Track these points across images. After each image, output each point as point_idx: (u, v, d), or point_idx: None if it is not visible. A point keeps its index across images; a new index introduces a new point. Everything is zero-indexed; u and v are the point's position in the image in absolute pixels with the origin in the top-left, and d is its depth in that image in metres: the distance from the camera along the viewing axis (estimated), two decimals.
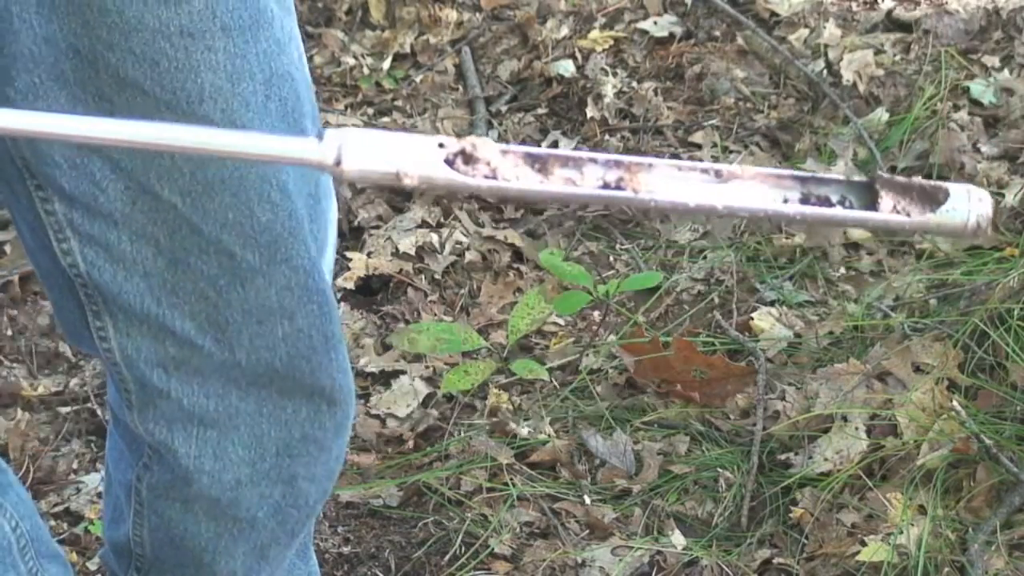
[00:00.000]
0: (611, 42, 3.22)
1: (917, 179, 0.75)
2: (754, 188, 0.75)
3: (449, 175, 0.73)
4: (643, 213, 2.76)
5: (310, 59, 1.32)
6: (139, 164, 1.19)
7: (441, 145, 0.73)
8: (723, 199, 0.74)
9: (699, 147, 2.92)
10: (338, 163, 0.73)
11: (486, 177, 0.73)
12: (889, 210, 0.74)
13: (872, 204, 0.74)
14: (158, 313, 1.26)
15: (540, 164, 0.74)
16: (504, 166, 0.73)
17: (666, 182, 0.74)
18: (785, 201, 0.75)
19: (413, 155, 0.73)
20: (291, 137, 0.74)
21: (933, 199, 0.74)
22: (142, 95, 1.16)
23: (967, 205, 0.74)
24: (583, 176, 0.74)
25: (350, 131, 0.73)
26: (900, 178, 0.75)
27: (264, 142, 0.75)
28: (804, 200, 0.75)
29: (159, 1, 1.13)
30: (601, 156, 0.74)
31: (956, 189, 0.74)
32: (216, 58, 1.16)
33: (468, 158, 0.73)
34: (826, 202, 0.75)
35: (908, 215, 0.74)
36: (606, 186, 0.74)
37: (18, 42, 1.14)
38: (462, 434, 2.30)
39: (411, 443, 2.30)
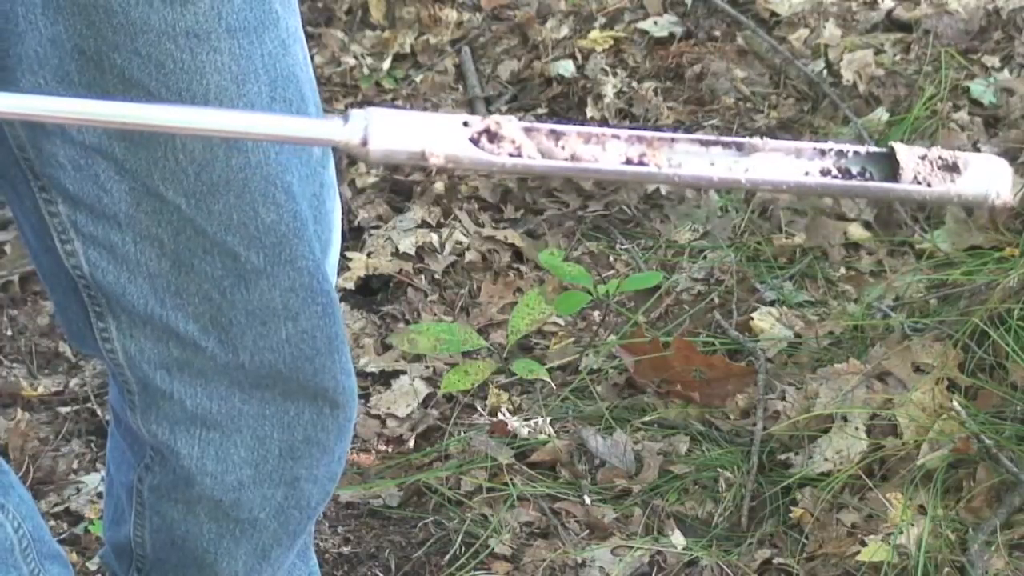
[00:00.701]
0: (611, 42, 3.22)
1: (937, 149, 0.75)
2: (776, 161, 0.75)
3: (474, 153, 0.73)
4: (643, 213, 2.76)
5: (310, 59, 1.33)
6: (143, 165, 1.19)
7: (466, 124, 0.73)
8: (746, 173, 0.75)
9: None
10: (364, 143, 0.73)
11: (511, 155, 0.73)
12: (910, 181, 0.74)
13: (893, 175, 0.75)
14: (161, 314, 1.26)
15: (564, 141, 0.74)
16: (528, 144, 0.74)
17: (689, 157, 0.75)
18: (807, 174, 0.75)
19: (438, 134, 0.73)
20: (317, 118, 0.74)
21: (954, 169, 0.74)
22: (147, 96, 1.15)
23: (988, 176, 0.74)
24: (606, 152, 0.74)
25: (375, 111, 0.73)
26: (921, 148, 0.75)
27: (290, 123, 0.75)
28: (825, 172, 0.75)
29: (165, 2, 1.13)
30: (624, 132, 0.75)
31: (977, 159, 0.74)
32: (221, 59, 1.16)
33: (493, 136, 0.73)
34: (847, 174, 0.75)
35: (929, 185, 0.74)
36: (629, 162, 0.74)
37: (23, 44, 1.14)
38: (462, 434, 2.30)
39: (411, 443, 2.30)
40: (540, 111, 3.11)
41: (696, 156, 0.75)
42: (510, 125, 0.73)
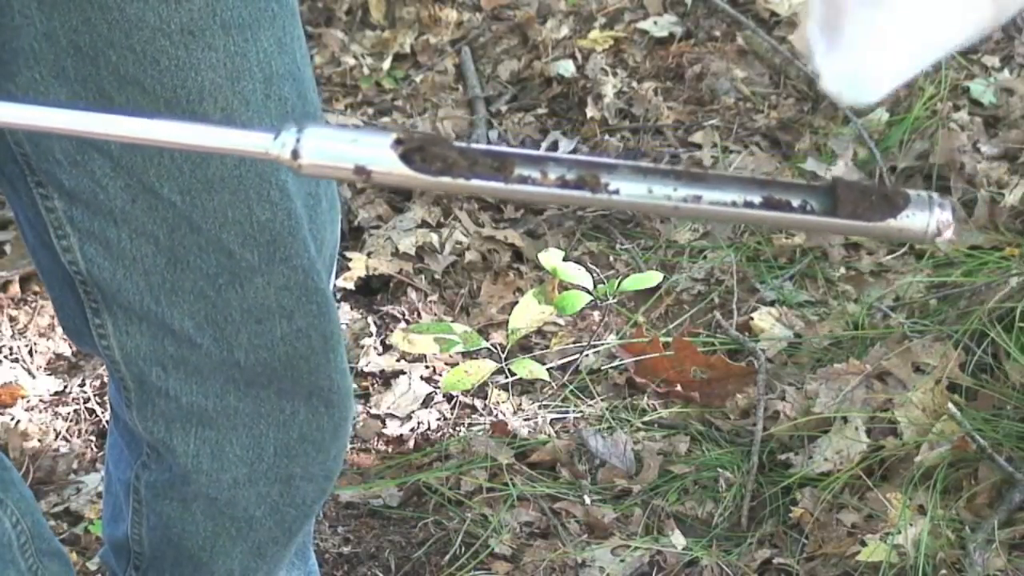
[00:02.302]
0: (611, 42, 3.22)
1: (877, 184, 0.75)
2: (716, 190, 0.76)
3: (406, 171, 0.73)
4: (643, 213, 2.76)
5: (310, 59, 1.33)
6: (139, 162, 1.19)
7: (399, 141, 0.74)
8: (683, 202, 0.75)
9: (699, 147, 2.92)
10: (295, 157, 0.73)
11: (443, 173, 0.74)
12: (848, 215, 0.75)
13: (832, 209, 0.75)
14: (157, 311, 1.26)
15: (499, 162, 0.75)
16: (461, 163, 0.74)
17: (627, 183, 0.75)
18: (746, 204, 0.75)
19: (370, 151, 0.74)
20: (247, 130, 0.75)
21: (893, 204, 0.74)
22: (142, 93, 1.15)
23: (927, 211, 0.74)
24: (544, 175, 0.75)
25: (309, 126, 0.74)
26: (861, 183, 0.75)
27: (219, 135, 0.75)
28: (765, 204, 0.76)
29: None
30: (565, 156, 0.75)
31: (916, 195, 0.75)
32: (216, 56, 1.16)
33: (425, 154, 0.74)
34: (787, 206, 0.76)
35: (867, 220, 0.74)
36: (566, 185, 0.75)
37: (19, 38, 1.14)
38: (462, 434, 2.30)
39: (411, 443, 2.30)
40: (540, 111, 3.11)
41: (634, 183, 0.75)
42: (444, 144, 0.74)
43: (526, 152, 0.75)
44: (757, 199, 0.75)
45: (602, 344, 2.44)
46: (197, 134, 0.75)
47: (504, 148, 0.75)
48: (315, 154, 0.73)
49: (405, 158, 0.73)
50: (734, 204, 0.75)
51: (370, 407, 2.37)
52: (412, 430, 2.32)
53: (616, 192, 0.75)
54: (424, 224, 2.73)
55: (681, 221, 2.72)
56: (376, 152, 0.73)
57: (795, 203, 0.75)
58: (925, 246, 2.48)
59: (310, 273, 1.27)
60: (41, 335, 2.55)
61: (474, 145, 0.74)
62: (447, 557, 2.08)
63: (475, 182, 0.74)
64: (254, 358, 1.29)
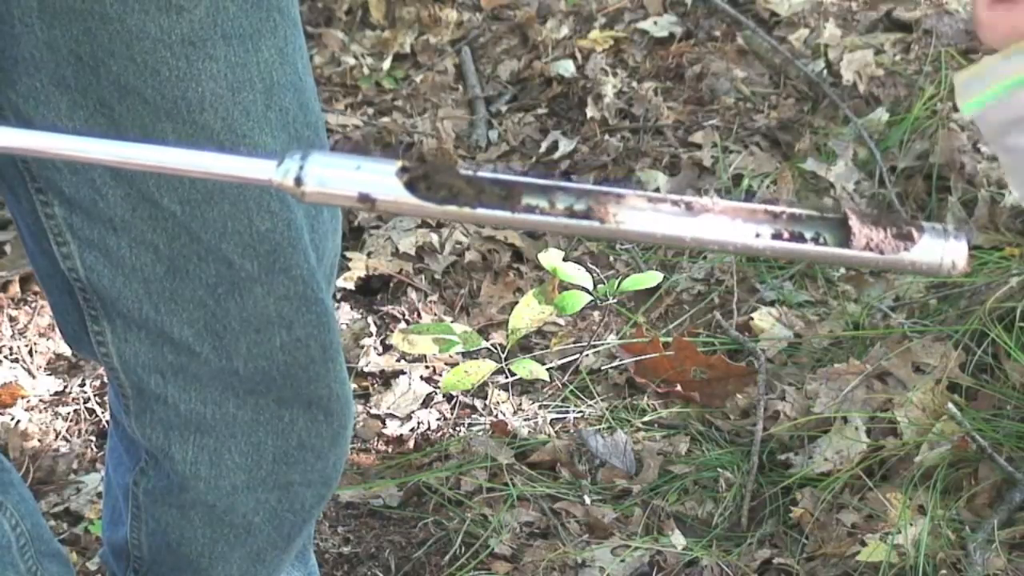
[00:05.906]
0: (611, 42, 3.22)
1: (892, 215, 0.74)
2: (725, 221, 0.74)
3: (411, 199, 0.73)
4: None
5: (310, 59, 1.33)
6: (138, 171, 1.19)
7: (404, 169, 0.73)
8: (692, 231, 0.74)
9: (699, 147, 2.92)
10: (299, 184, 0.73)
11: (449, 202, 0.73)
12: (862, 247, 0.74)
13: (846, 241, 0.74)
14: (156, 319, 1.26)
15: (506, 191, 0.74)
16: (467, 191, 0.73)
17: (635, 213, 0.74)
18: (757, 236, 0.74)
19: (375, 178, 0.73)
20: (250, 157, 0.74)
21: (906, 236, 0.73)
22: (143, 103, 1.15)
23: (942, 244, 0.73)
24: (552, 205, 0.74)
25: (312, 153, 0.73)
26: (875, 213, 0.74)
27: (222, 162, 0.75)
28: (777, 236, 0.74)
29: (161, 10, 1.13)
30: (572, 185, 0.74)
31: (930, 227, 0.74)
32: (217, 67, 1.16)
33: (430, 182, 0.73)
34: (800, 238, 0.75)
35: (881, 252, 0.74)
36: (574, 215, 0.74)
37: (19, 46, 1.14)
38: (462, 434, 2.30)
39: (411, 443, 2.30)
40: (540, 111, 3.11)
41: (643, 212, 0.74)
42: (450, 172, 0.73)
43: (534, 181, 0.74)
44: (769, 231, 0.74)
45: (602, 344, 2.44)
46: (200, 161, 0.75)
47: (511, 176, 0.74)
48: (319, 182, 0.73)
49: (410, 186, 0.73)
50: (744, 235, 0.74)
51: (370, 407, 2.37)
52: (412, 430, 2.33)
53: (623, 223, 0.74)
54: (424, 224, 2.73)
55: None
56: (381, 180, 0.73)
57: (808, 235, 0.74)
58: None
59: (310, 283, 1.27)
60: (41, 335, 2.55)
61: (481, 173, 0.73)
62: (447, 557, 2.09)
63: (481, 211, 0.73)
64: (253, 367, 1.29)
